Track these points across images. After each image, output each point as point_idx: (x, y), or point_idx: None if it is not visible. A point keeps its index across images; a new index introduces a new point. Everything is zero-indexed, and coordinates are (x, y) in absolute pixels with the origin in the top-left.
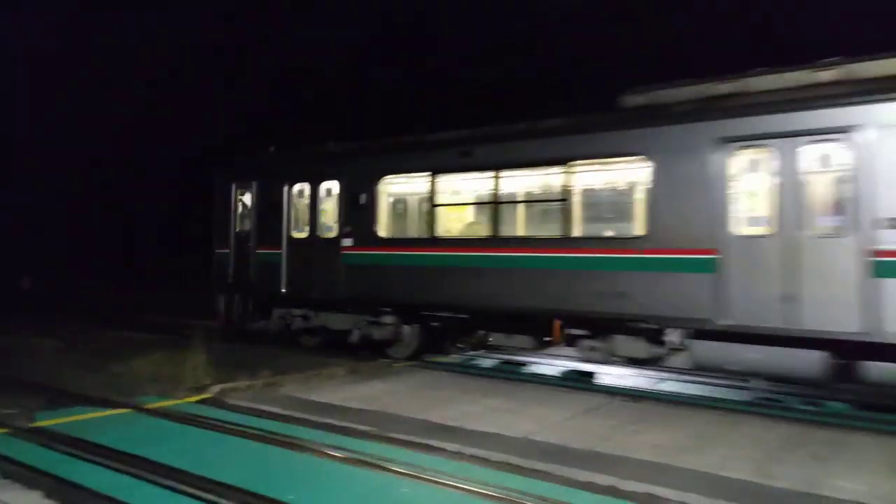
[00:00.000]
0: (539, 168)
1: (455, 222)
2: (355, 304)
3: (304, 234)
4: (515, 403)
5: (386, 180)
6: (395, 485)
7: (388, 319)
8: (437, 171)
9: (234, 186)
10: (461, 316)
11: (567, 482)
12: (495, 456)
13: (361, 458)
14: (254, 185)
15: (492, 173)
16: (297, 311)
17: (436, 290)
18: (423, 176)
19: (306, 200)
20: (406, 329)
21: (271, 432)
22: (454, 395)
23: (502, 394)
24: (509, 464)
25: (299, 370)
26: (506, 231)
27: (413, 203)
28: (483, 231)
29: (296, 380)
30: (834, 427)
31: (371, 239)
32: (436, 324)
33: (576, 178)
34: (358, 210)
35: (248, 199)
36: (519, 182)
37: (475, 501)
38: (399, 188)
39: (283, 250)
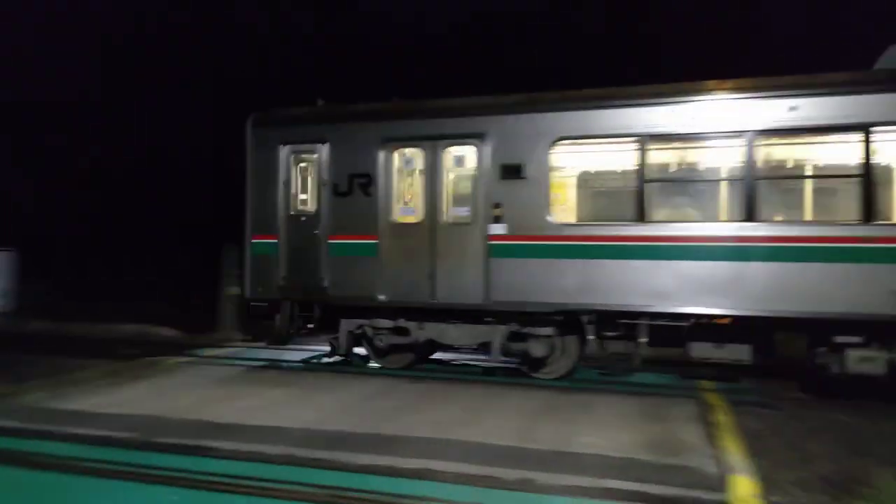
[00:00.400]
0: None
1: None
2: (499, 310)
3: (412, 218)
4: (300, 392)
5: (562, 147)
6: (163, 494)
7: (545, 331)
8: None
9: (286, 150)
10: (678, 324)
11: (347, 467)
12: (275, 450)
13: (123, 469)
14: (323, 148)
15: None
16: (384, 323)
17: (660, 289)
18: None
19: (418, 171)
20: (567, 341)
21: (6, 450)
22: (235, 391)
23: (287, 384)
24: (291, 456)
25: (48, 376)
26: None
27: (621, 178)
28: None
29: (41, 387)
30: (584, 391)
31: (539, 225)
32: (612, 333)
33: None
34: (517, 185)
35: (312, 167)
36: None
37: (253, 500)
38: (597, 156)
39: (380, 240)
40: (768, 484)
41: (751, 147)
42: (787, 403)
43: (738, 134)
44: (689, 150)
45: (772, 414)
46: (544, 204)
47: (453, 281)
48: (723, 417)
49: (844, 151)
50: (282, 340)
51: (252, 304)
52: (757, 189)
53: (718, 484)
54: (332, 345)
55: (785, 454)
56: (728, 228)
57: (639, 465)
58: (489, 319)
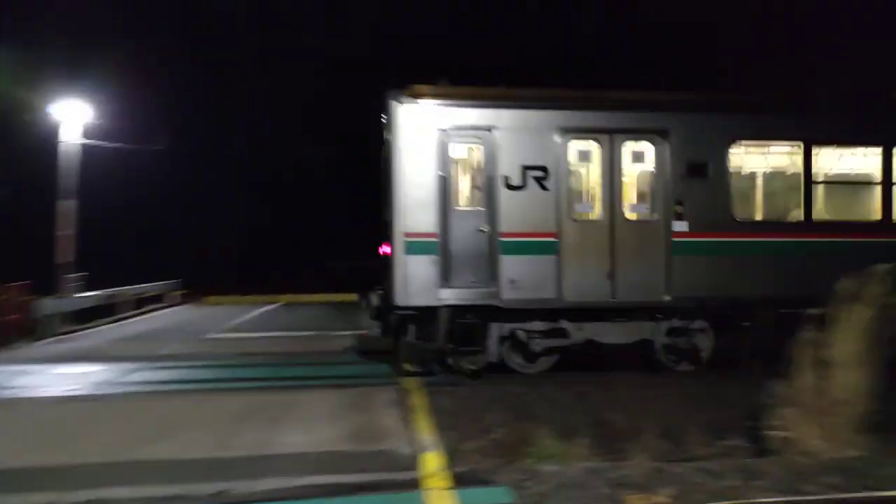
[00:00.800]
0: None
1: None
2: (680, 306)
3: (591, 215)
4: None
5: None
6: None
7: (699, 324)
8: None
9: (443, 136)
10: None
11: None
12: None
13: None
14: (491, 136)
15: None
16: (538, 325)
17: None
18: None
19: (595, 164)
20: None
21: None
22: None
23: None
24: None
25: None
26: None
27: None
28: None
29: None
30: (290, 389)
31: (722, 221)
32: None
33: None
34: (700, 183)
35: (477, 157)
36: None
37: None
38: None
39: (560, 237)
40: (454, 455)
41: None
42: (471, 381)
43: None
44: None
45: (457, 391)
46: (727, 202)
47: (634, 278)
48: (418, 400)
49: None
50: (438, 357)
51: (396, 311)
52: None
53: (411, 463)
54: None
55: (468, 427)
56: (869, 227)
57: (340, 456)
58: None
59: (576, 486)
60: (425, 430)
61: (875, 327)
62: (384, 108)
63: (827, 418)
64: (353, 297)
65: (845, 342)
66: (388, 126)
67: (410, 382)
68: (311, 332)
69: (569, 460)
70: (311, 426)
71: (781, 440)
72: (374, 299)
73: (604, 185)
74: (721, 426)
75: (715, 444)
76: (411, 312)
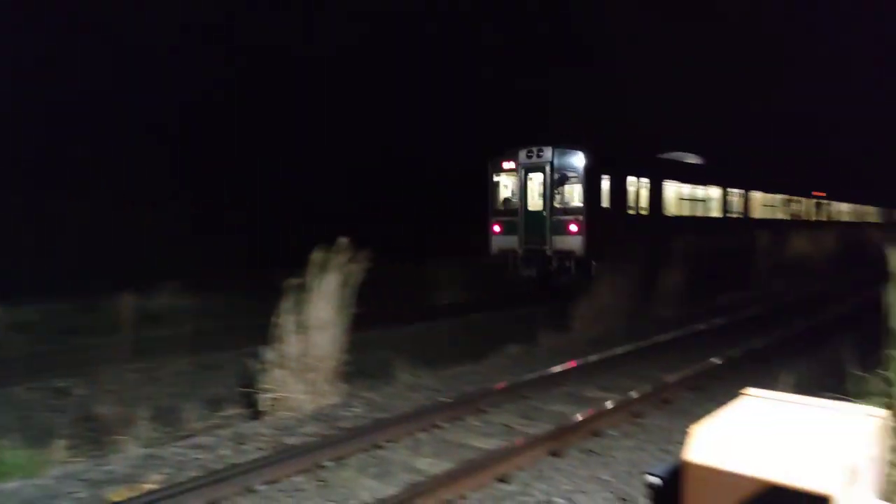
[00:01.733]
0: None
1: None
2: None
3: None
4: None
5: None
6: None
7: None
8: None
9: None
10: None
11: None
12: None
13: None
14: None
15: None
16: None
17: None
18: None
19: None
20: None
21: None
22: None
23: None
24: None
25: None
26: None
27: None
28: None
29: None
30: None
31: None
32: None
33: None
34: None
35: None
36: None
37: None
38: None
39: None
40: None
41: None
42: None
43: None
44: None
45: None
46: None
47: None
48: None
49: None
50: None
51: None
52: None
53: None
54: None
55: None
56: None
57: None
58: None
59: (46, 499)
60: None
61: (341, 292)
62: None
63: (308, 375)
64: None
65: (318, 307)
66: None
67: None
68: None
69: (38, 470)
70: None
71: (272, 401)
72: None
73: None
74: (219, 398)
75: (212, 417)
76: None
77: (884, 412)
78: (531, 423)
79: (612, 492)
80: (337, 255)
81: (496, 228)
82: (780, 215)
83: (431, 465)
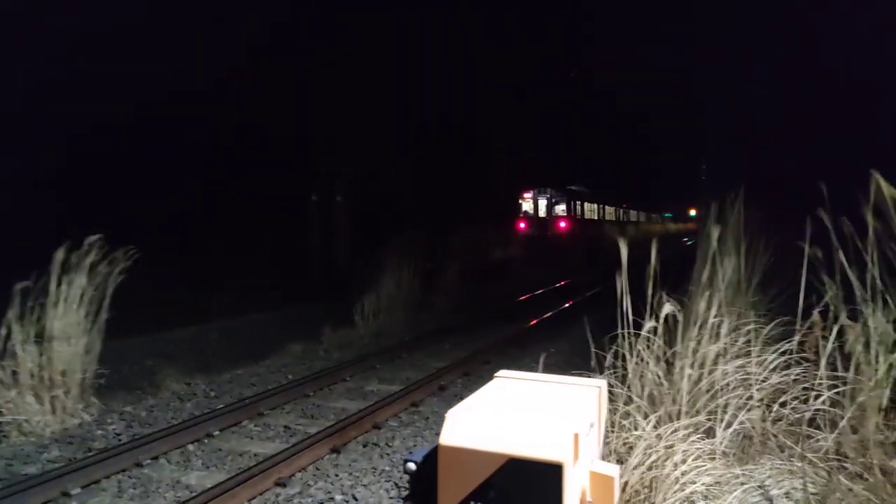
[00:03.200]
0: None
1: None
2: None
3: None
4: None
5: None
6: None
7: None
8: None
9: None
10: None
11: None
12: None
13: None
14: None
15: None
16: None
17: None
18: None
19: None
20: None
21: None
22: None
23: None
24: None
25: None
26: None
27: None
28: None
29: None
30: None
31: None
32: None
33: None
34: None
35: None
36: None
37: None
38: None
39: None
40: None
41: None
42: None
43: None
44: None
45: None
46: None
47: None
48: None
49: None
50: None
51: None
52: None
53: None
54: None
55: None
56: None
57: None
58: None
59: None
60: None
61: (92, 294)
62: None
63: (51, 393)
64: None
65: (62, 314)
66: None
67: None
68: None
69: None
70: None
71: (6, 425)
72: None
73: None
74: None
75: None
76: None
77: (603, 382)
78: (313, 421)
79: (391, 481)
80: (86, 254)
81: (521, 225)
82: (612, 217)
83: (203, 479)
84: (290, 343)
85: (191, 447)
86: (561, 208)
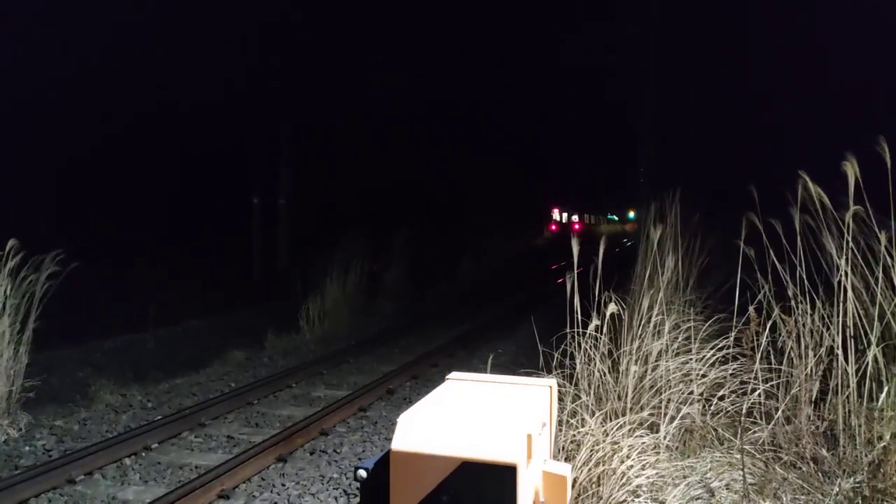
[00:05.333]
0: None
1: None
2: None
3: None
4: None
5: None
6: None
7: None
8: None
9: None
10: None
11: None
12: None
13: None
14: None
15: None
16: None
17: None
18: None
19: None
20: None
21: None
22: None
23: None
24: None
25: None
26: None
27: None
28: None
29: None
30: None
31: None
32: None
33: None
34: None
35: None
36: None
37: None
38: None
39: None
40: None
41: None
42: None
43: None
44: None
45: None
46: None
47: None
48: None
49: None
50: None
51: None
52: None
53: None
54: None
55: None
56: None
57: None
58: None
59: None
60: None
61: (16, 302)
62: None
63: None
64: None
65: None
66: None
67: None
68: None
69: None
70: None
71: None
72: None
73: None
74: None
75: None
76: None
77: (553, 381)
78: (257, 430)
79: (340, 489)
80: (7, 258)
81: (553, 227)
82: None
83: (141, 493)
84: (232, 350)
85: (127, 461)
86: (567, 217)
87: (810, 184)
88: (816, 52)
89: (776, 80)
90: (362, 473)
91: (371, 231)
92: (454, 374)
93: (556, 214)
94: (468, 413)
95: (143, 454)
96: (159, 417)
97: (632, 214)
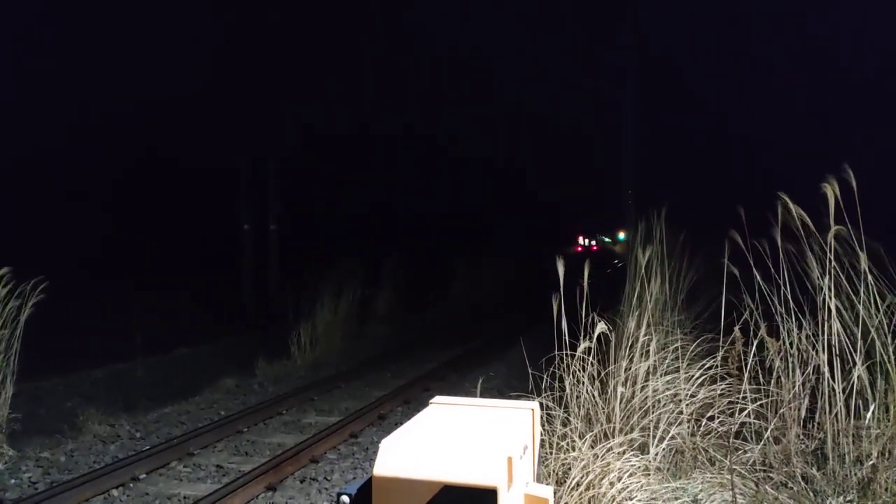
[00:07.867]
0: None
1: None
2: None
3: None
4: None
5: None
6: None
7: None
8: None
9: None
10: None
11: None
12: None
13: None
14: None
15: None
16: None
17: None
18: None
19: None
20: None
21: None
22: None
23: None
24: None
25: None
26: None
27: None
28: None
29: None
30: None
31: None
32: None
33: None
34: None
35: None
36: None
37: None
38: None
39: None
40: None
41: None
42: None
43: None
44: None
45: None
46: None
47: None
48: None
49: None
50: None
51: None
52: None
53: None
54: None
55: None
56: None
57: None
58: None
59: None
60: None
61: (1, 332)
62: None
63: None
64: None
65: None
66: None
67: None
68: None
69: None
70: None
71: None
72: None
73: None
74: None
75: None
76: None
77: (536, 404)
78: (247, 458)
79: None
80: None
81: (579, 248)
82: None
83: None
84: (222, 377)
85: (115, 492)
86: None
87: (791, 204)
88: (796, 73)
89: (760, 98)
90: (345, 499)
91: (363, 255)
92: (438, 398)
93: (581, 239)
94: (450, 437)
95: (131, 485)
96: (147, 447)
97: (622, 236)
